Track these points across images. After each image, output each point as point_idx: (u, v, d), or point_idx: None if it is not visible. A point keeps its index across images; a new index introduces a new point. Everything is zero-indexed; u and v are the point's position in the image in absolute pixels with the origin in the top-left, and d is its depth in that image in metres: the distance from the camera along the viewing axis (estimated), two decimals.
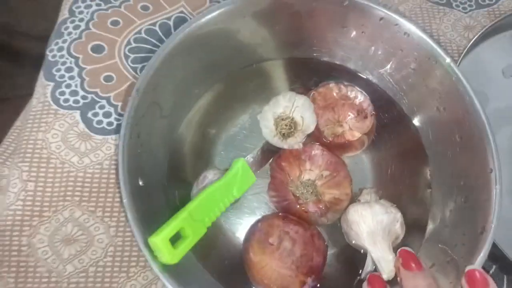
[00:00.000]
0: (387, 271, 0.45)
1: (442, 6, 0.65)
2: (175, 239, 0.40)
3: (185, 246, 0.40)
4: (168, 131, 0.49)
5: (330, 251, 0.50)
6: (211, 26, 0.46)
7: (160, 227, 0.39)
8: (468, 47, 0.56)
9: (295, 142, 0.49)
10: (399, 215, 0.46)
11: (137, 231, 0.38)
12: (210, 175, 0.47)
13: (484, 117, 0.43)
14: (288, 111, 0.48)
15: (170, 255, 0.39)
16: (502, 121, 0.58)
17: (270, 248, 0.46)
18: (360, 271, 0.47)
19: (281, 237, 0.46)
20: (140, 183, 0.43)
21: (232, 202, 0.45)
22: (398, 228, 0.46)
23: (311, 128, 0.49)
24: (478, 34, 0.57)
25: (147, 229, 0.39)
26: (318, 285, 0.46)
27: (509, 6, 0.65)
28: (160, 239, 0.38)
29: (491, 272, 0.52)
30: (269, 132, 0.49)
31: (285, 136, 0.48)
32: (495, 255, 0.50)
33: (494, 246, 0.48)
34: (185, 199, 0.45)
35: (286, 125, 0.47)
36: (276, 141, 0.49)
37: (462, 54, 0.55)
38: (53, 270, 0.50)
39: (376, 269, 0.46)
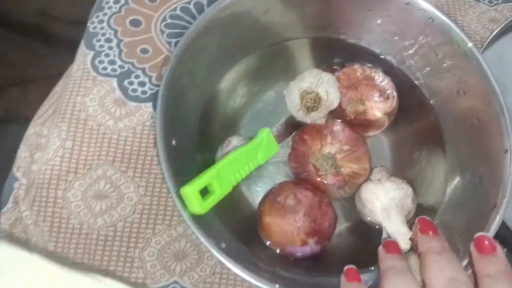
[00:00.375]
0: (402, 243, 0.47)
1: None
2: (204, 193, 0.44)
3: (212, 199, 0.43)
4: (200, 99, 0.53)
5: (345, 225, 0.52)
6: (242, 4, 0.49)
7: (190, 181, 0.42)
8: (490, 37, 0.57)
9: (318, 117, 0.51)
10: (410, 190, 0.48)
11: (170, 182, 0.42)
12: (234, 140, 0.50)
13: (502, 100, 0.45)
14: (313, 86, 0.51)
15: (199, 206, 0.42)
16: None
17: (277, 205, 0.49)
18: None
19: (288, 196, 0.49)
20: (173, 142, 0.46)
21: (255, 167, 0.49)
22: (410, 202, 0.48)
23: (334, 104, 0.51)
24: (502, 26, 0.58)
25: (178, 182, 0.43)
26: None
27: None
28: (191, 189, 0.41)
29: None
30: (294, 106, 0.52)
31: (309, 110, 0.51)
32: (508, 239, 0.52)
33: (507, 229, 0.50)
34: (209, 162, 0.48)
35: (311, 99, 0.50)
36: (300, 115, 0.52)
37: (484, 45, 0.57)
38: (84, 222, 0.53)
39: None
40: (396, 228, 0.47)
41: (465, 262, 0.41)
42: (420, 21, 0.49)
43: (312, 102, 0.50)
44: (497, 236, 0.53)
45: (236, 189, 0.52)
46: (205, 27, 0.48)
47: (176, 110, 0.47)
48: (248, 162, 0.48)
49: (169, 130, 0.45)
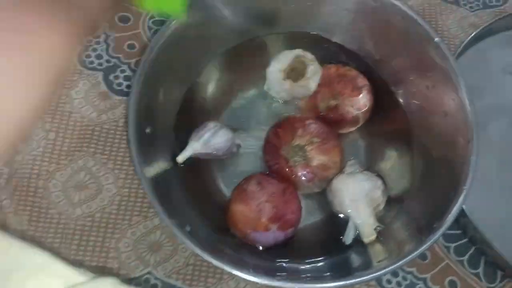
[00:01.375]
0: (367, 235, 0.48)
1: (450, 3, 0.68)
2: None
3: None
4: (179, 90, 0.54)
5: (317, 218, 0.53)
6: None
7: None
8: (468, 41, 0.58)
9: (307, 83, 0.53)
10: (380, 182, 0.49)
11: (137, 165, 0.43)
12: (211, 124, 0.51)
13: (466, 92, 0.46)
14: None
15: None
16: (496, 115, 0.61)
17: (242, 192, 0.50)
18: (341, 237, 0.50)
19: (252, 183, 0.50)
20: (147, 130, 0.48)
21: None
22: (380, 195, 0.49)
23: (316, 78, 0.53)
24: (479, 29, 0.59)
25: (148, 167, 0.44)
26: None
27: None
28: None
29: (469, 253, 0.54)
30: (278, 78, 0.53)
31: (298, 76, 0.53)
32: (475, 237, 0.53)
33: (475, 229, 0.51)
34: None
35: (297, 66, 0.52)
36: (288, 86, 0.53)
37: (461, 47, 0.58)
38: (63, 212, 0.55)
39: (357, 234, 0.50)
40: (363, 219, 0.48)
41: (422, 248, 0.42)
42: (391, 20, 0.50)
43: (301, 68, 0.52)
44: (465, 235, 0.54)
45: (213, 182, 0.53)
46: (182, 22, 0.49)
47: (152, 100, 0.48)
48: None
49: (144, 118, 0.46)
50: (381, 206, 0.50)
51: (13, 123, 0.26)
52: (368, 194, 0.48)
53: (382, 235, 0.49)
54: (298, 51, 0.54)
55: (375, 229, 0.48)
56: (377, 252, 0.47)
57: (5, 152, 0.26)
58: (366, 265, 0.46)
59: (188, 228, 0.44)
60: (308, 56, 0.54)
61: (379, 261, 0.44)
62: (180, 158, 0.50)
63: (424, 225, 0.45)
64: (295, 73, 0.53)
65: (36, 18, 0.26)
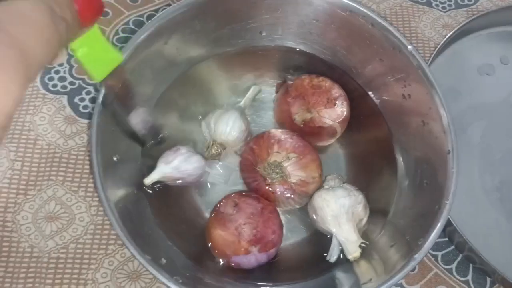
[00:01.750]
0: (352, 252, 0.47)
1: (422, 5, 0.67)
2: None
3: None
4: (146, 113, 0.51)
5: (301, 236, 0.52)
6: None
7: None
8: (442, 43, 0.58)
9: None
10: (360, 197, 0.48)
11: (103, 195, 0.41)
12: (183, 149, 0.49)
13: (443, 100, 0.45)
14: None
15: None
16: (474, 117, 0.60)
17: (220, 215, 0.48)
18: (326, 254, 0.49)
19: (228, 206, 0.48)
20: (114, 158, 0.45)
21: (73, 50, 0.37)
22: (361, 210, 0.48)
23: (235, 139, 0.52)
24: (454, 31, 0.58)
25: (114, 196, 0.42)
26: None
27: (487, 6, 0.67)
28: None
29: (457, 260, 0.54)
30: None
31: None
32: (461, 245, 0.52)
33: (460, 236, 0.50)
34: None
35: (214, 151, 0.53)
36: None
37: (436, 50, 0.57)
38: (35, 245, 0.52)
39: (342, 251, 0.48)
40: (346, 236, 0.47)
41: (409, 267, 0.41)
42: (362, 29, 0.49)
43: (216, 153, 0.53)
44: (451, 243, 0.53)
45: (191, 205, 0.51)
46: (145, 40, 0.47)
47: (116, 126, 0.46)
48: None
49: (108, 147, 0.44)
50: (364, 221, 0.49)
51: None
52: (349, 210, 0.47)
53: (367, 251, 0.47)
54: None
55: (359, 246, 0.46)
56: (363, 269, 0.46)
57: None
58: (354, 286, 0.44)
59: (163, 261, 0.42)
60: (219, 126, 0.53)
61: (364, 283, 0.43)
62: (148, 181, 0.48)
63: (411, 238, 0.44)
64: None
65: None
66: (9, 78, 0.23)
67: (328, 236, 0.49)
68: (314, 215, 0.49)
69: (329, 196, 0.47)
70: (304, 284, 0.47)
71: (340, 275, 0.47)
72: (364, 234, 0.49)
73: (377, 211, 0.50)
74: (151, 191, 0.49)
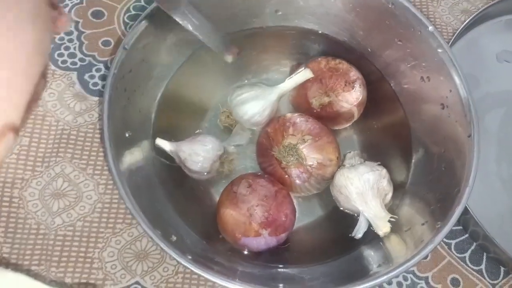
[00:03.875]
0: (382, 228, 0.46)
1: None
2: None
3: None
4: (157, 89, 0.50)
5: (314, 218, 0.51)
6: None
7: None
8: (461, 29, 0.56)
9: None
10: (384, 171, 0.47)
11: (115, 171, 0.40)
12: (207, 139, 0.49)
13: (464, 82, 0.44)
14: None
15: None
16: (492, 105, 0.59)
17: (232, 195, 0.47)
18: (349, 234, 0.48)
19: (242, 186, 0.47)
20: (126, 134, 0.44)
21: None
22: (386, 185, 0.47)
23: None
24: (472, 17, 0.57)
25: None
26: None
27: None
28: None
29: (471, 249, 0.53)
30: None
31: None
32: (476, 233, 0.51)
33: (476, 224, 0.49)
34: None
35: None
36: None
37: (454, 36, 0.56)
38: (42, 222, 0.51)
39: (370, 227, 0.47)
40: (374, 212, 0.46)
41: (426, 250, 0.40)
42: (382, 8, 0.48)
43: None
44: (465, 231, 0.52)
45: (202, 188, 0.50)
46: (158, 15, 0.46)
47: (129, 101, 0.45)
48: None
49: (120, 122, 0.43)
50: (389, 196, 0.48)
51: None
52: (374, 186, 0.46)
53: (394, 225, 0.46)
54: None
55: (388, 220, 0.45)
56: (396, 244, 0.45)
57: None
58: (386, 261, 0.44)
59: (174, 238, 0.41)
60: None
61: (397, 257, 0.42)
62: (159, 142, 0.48)
63: (426, 224, 0.43)
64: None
65: None
66: None
67: (354, 214, 0.49)
68: (337, 195, 0.48)
69: (352, 174, 0.46)
70: (330, 265, 0.46)
71: (368, 252, 0.47)
72: (390, 208, 0.48)
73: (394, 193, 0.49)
74: (163, 171, 0.48)
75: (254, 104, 0.50)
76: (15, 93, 0.22)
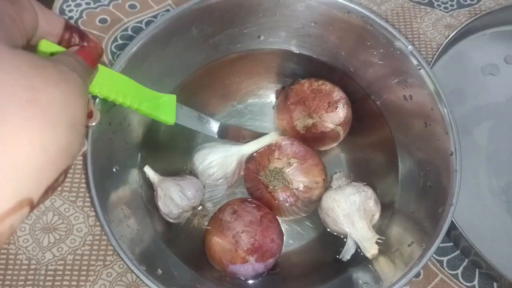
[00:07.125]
0: (370, 250, 0.45)
1: (424, 5, 0.66)
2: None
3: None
4: (143, 121, 0.50)
5: (311, 236, 0.51)
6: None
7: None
8: (445, 44, 0.56)
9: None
10: (370, 192, 0.47)
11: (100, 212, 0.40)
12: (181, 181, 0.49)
13: (445, 100, 0.44)
14: None
15: None
16: (480, 118, 0.59)
17: (218, 222, 0.47)
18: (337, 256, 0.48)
19: (227, 213, 0.47)
20: (114, 169, 0.44)
21: (134, 107, 0.40)
22: (373, 205, 0.47)
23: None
24: (456, 31, 0.57)
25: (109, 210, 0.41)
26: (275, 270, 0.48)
27: (490, 5, 0.66)
28: None
29: (463, 265, 0.52)
30: None
31: None
32: (467, 249, 0.51)
33: (466, 241, 0.49)
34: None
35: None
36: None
37: (439, 51, 0.56)
38: (33, 257, 0.51)
39: (358, 250, 0.47)
40: (361, 234, 0.46)
41: (411, 274, 0.40)
42: (362, 30, 0.48)
43: None
44: (457, 248, 0.52)
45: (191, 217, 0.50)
46: (142, 46, 0.46)
47: (114, 134, 0.45)
48: (134, 97, 0.40)
49: (106, 156, 0.43)
50: (377, 216, 0.48)
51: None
52: (360, 207, 0.46)
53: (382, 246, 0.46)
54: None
55: (376, 242, 0.45)
56: (385, 266, 0.44)
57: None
58: (375, 283, 0.43)
59: (159, 272, 0.41)
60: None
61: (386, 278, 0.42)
62: (147, 169, 0.48)
63: (412, 245, 0.42)
64: None
65: None
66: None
67: (342, 236, 0.48)
68: (325, 218, 0.48)
69: (338, 196, 0.46)
70: None
71: (358, 275, 0.46)
72: (378, 228, 0.48)
73: (384, 203, 0.49)
74: (151, 201, 0.48)
75: (218, 169, 0.49)
76: (41, 176, 0.23)
